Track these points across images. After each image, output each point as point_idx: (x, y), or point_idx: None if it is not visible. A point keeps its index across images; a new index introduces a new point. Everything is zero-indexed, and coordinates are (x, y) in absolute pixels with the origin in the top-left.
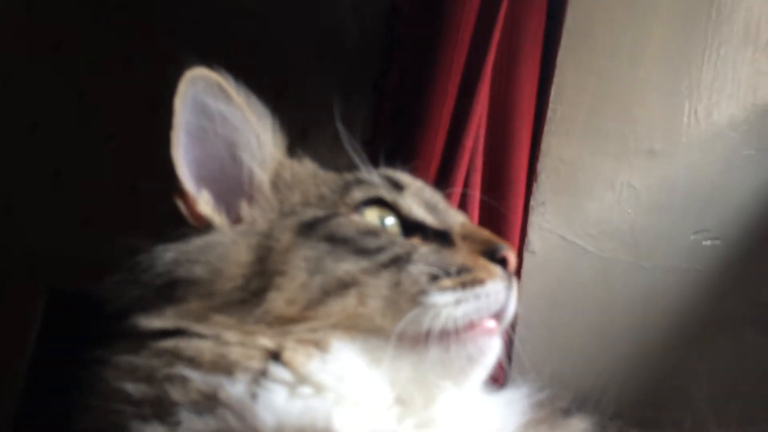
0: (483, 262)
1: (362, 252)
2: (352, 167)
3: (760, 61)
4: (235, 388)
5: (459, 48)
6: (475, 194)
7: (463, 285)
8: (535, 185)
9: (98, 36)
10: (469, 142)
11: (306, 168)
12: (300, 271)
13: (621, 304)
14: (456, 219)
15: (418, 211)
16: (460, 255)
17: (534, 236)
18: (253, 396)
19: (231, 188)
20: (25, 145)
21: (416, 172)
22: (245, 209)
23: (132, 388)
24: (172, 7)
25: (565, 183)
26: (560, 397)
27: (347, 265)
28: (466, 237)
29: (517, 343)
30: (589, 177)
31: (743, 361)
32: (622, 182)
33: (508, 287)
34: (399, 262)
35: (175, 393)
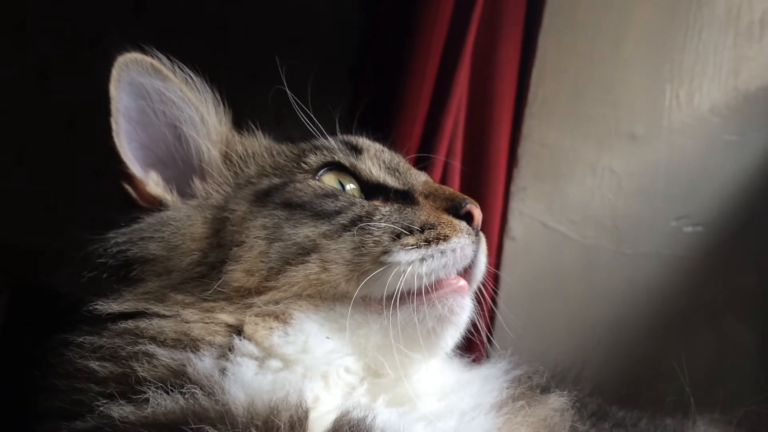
0: (447, 218)
1: (321, 215)
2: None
3: (742, 45)
4: (203, 364)
5: (437, 30)
6: (455, 179)
7: (427, 241)
8: (515, 170)
9: (65, 11)
10: (448, 126)
11: (259, 141)
12: (258, 239)
13: (602, 290)
14: (418, 178)
15: (378, 173)
16: (423, 212)
17: (515, 222)
18: (222, 371)
19: (181, 166)
20: None
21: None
22: (198, 185)
23: (97, 366)
24: None
25: (546, 168)
26: (539, 374)
27: (306, 230)
28: (429, 195)
29: (497, 329)
30: (570, 161)
31: (723, 346)
32: (603, 167)
33: (476, 242)
34: (360, 223)
35: (142, 370)
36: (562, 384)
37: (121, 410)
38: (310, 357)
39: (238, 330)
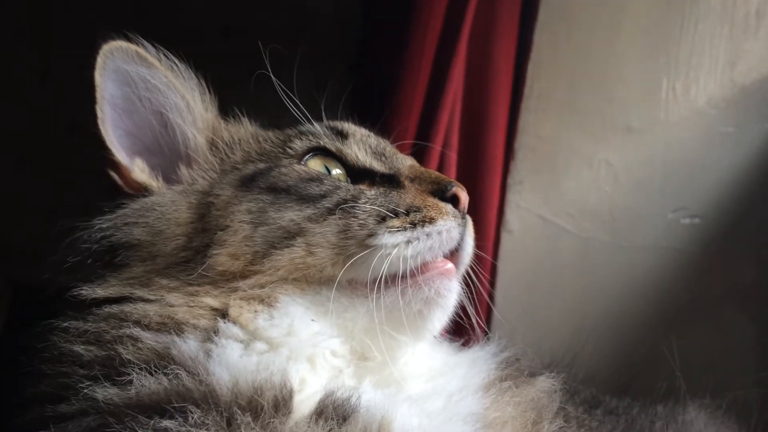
0: (433, 200)
1: (306, 199)
2: None
3: (738, 37)
4: (188, 345)
5: (432, 24)
6: (451, 172)
7: (413, 224)
8: (512, 163)
9: (64, 15)
10: (444, 119)
11: (246, 128)
12: (242, 224)
13: (599, 283)
14: (404, 162)
15: (364, 157)
16: (409, 195)
17: (512, 215)
18: (207, 353)
19: (167, 153)
20: None
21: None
22: (184, 172)
23: (81, 349)
24: None
25: (543, 161)
26: (526, 356)
27: (291, 214)
28: (415, 178)
29: (494, 320)
30: (566, 155)
31: (721, 337)
32: (600, 160)
33: (462, 225)
34: (345, 206)
35: (126, 352)
36: (555, 369)
37: (106, 392)
38: (296, 340)
39: (222, 313)
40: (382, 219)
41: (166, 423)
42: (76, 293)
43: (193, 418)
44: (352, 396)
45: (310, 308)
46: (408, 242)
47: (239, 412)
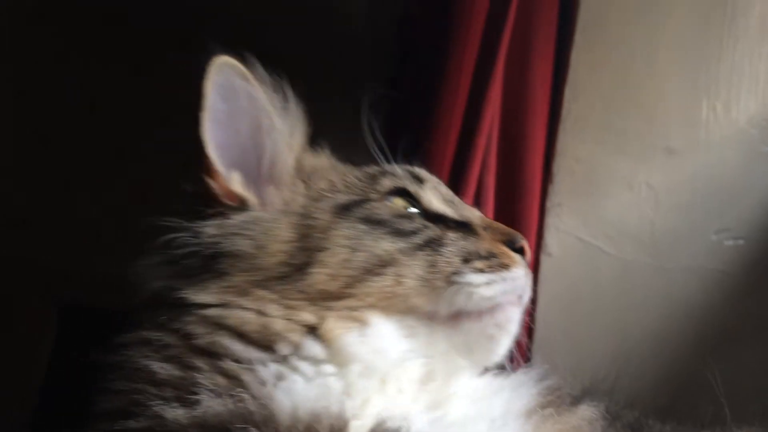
0: (506, 249)
1: (398, 233)
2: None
3: None
4: (265, 369)
5: (469, 49)
6: (489, 196)
7: (492, 268)
8: (550, 186)
9: (108, 44)
10: (481, 143)
11: (325, 159)
12: (341, 248)
13: (641, 306)
14: (474, 212)
15: (437, 203)
16: (486, 242)
17: (551, 238)
18: (279, 377)
19: (252, 171)
20: (36, 158)
21: (425, 168)
22: (273, 192)
23: (157, 367)
24: (187, 21)
25: (582, 183)
26: (569, 385)
27: (386, 245)
28: (487, 228)
29: (534, 344)
30: (605, 177)
31: (765, 361)
32: (640, 182)
33: (527, 275)
34: (433, 244)
35: (202, 377)
36: (595, 396)
37: (174, 412)
38: (379, 359)
39: (313, 329)
40: (466, 260)
41: None
42: (182, 295)
43: None
44: (402, 428)
45: (395, 331)
46: (488, 283)
47: None
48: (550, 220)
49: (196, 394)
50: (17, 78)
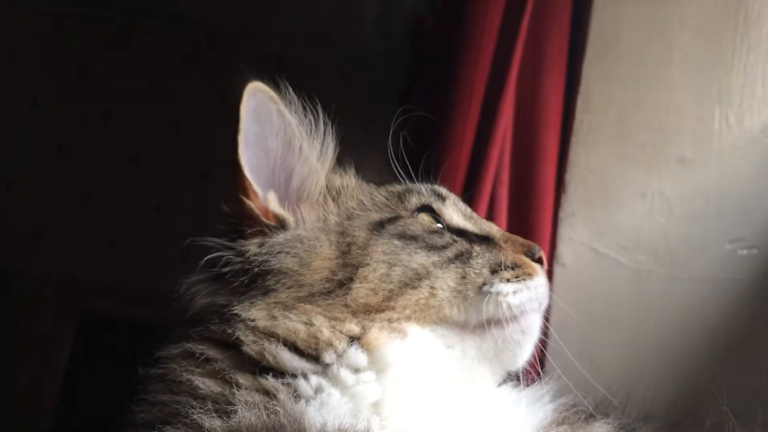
0: (527, 260)
1: (431, 248)
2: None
3: None
4: (303, 383)
5: (482, 61)
6: (503, 207)
7: (518, 277)
8: (563, 196)
9: (122, 58)
10: (494, 155)
11: (351, 179)
12: (381, 263)
13: (656, 316)
14: (492, 226)
15: (458, 219)
16: (509, 254)
17: (564, 249)
18: (318, 390)
19: (286, 191)
20: (54, 168)
21: (442, 185)
22: (307, 211)
23: (199, 382)
24: (197, 28)
25: (595, 193)
26: (584, 402)
27: (421, 259)
28: (507, 240)
29: (548, 354)
30: (618, 187)
31: None
32: (653, 191)
33: (546, 283)
34: (463, 257)
35: (239, 393)
36: (609, 409)
37: (212, 422)
38: (416, 368)
39: (356, 339)
40: (494, 271)
41: None
42: (234, 312)
43: None
44: None
45: (431, 341)
46: (515, 292)
47: None
48: (564, 231)
49: (234, 407)
50: (29, 89)
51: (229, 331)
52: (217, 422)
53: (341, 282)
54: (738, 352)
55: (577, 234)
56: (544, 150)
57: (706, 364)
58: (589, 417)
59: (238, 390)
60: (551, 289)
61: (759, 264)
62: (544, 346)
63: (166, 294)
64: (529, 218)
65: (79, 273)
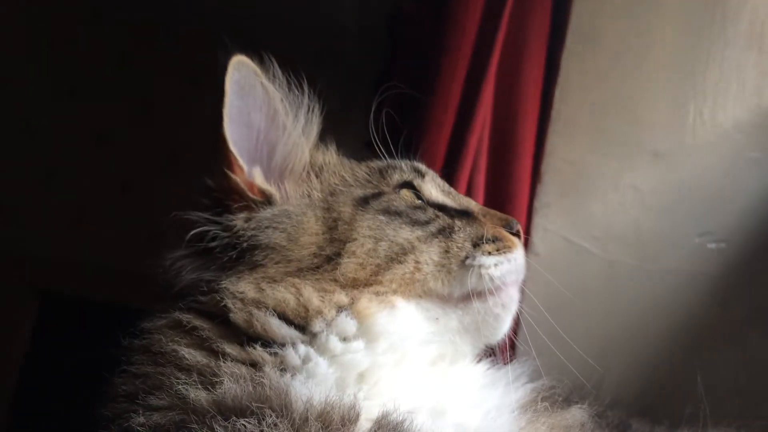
0: (506, 233)
1: (415, 223)
2: None
3: (765, 63)
4: (291, 353)
5: (463, 48)
6: (479, 195)
7: (499, 250)
8: (539, 186)
9: (92, 32)
10: (473, 143)
11: (333, 155)
12: (367, 238)
13: (625, 306)
14: (470, 201)
15: (437, 194)
16: (489, 227)
17: (538, 238)
18: (305, 360)
19: (269, 166)
20: (18, 146)
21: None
22: (291, 186)
23: (185, 352)
24: (171, 6)
25: (570, 184)
26: (561, 385)
27: (406, 234)
28: (485, 215)
29: (520, 341)
30: (593, 178)
31: (746, 362)
32: (627, 184)
33: (524, 255)
34: (445, 231)
35: (225, 365)
36: (583, 396)
37: (197, 393)
38: (404, 339)
39: (345, 308)
40: (476, 244)
41: (243, 421)
42: (219, 286)
43: (267, 421)
44: (406, 420)
45: (417, 314)
46: (497, 264)
47: (310, 422)
48: (538, 220)
49: (219, 377)
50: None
51: (218, 298)
52: (202, 394)
53: (329, 257)
54: (704, 343)
55: (551, 224)
56: (522, 139)
57: (674, 354)
58: (566, 400)
59: (224, 361)
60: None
61: (727, 258)
62: (516, 332)
63: (131, 274)
64: (505, 207)
65: (44, 252)
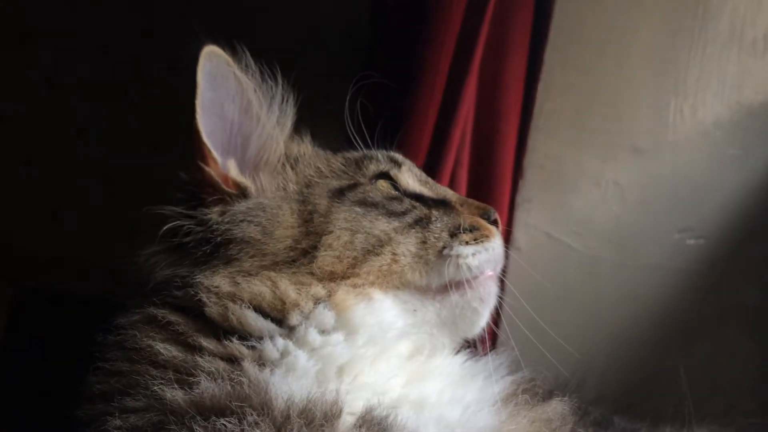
0: (483, 222)
1: (392, 214)
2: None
3: (745, 60)
4: (269, 346)
5: (447, 42)
6: (462, 189)
7: (476, 240)
8: (521, 181)
9: (68, 21)
10: (456, 137)
11: (308, 146)
12: (344, 231)
13: (606, 301)
14: (447, 190)
15: (414, 184)
16: (467, 217)
17: (519, 233)
18: (283, 354)
19: (243, 157)
20: None
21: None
22: (266, 179)
23: (161, 347)
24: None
25: (551, 179)
26: (542, 378)
27: (382, 225)
28: (463, 204)
29: (502, 336)
30: (574, 174)
31: (724, 357)
32: (608, 180)
33: (502, 244)
34: (422, 222)
35: (202, 360)
36: (565, 391)
37: (174, 393)
38: (382, 331)
39: (322, 300)
40: (453, 234)
41: (223, 421)
42: (194, 281)
43: (248, 419)
44: (390, 415)
45: (395, 306)
46: (474, 254)
47: (292, 419)
48: (520, 215)
49: (196, 377)
50: None
51: (192, 292)
52: (179, 394)
53: (305, 250)
54: (683, 338)
55: (532, 219)
56: (504, 134)
57: (654, 349)
58: (547, 394)
59: (201, 357)
60: (505, 272)
61: (706, 254)
62: (497, 324)
63: (107, 268)
64: (488, 201)
65: (19, 245)
